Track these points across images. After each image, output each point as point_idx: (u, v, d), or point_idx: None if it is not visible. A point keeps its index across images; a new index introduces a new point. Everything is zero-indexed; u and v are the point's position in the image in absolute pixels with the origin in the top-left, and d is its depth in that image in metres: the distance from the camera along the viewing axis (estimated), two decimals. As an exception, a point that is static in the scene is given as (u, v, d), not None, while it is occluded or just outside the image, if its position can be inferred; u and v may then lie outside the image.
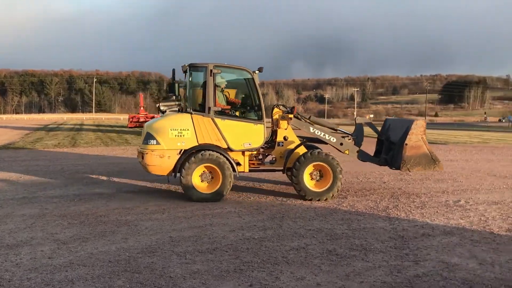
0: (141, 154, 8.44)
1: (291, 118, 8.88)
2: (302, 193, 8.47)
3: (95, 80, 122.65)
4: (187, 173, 8.15)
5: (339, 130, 9.45)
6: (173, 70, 9.03)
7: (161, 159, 8.25)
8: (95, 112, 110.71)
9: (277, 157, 8.95)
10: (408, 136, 8.53)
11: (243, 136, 8.55)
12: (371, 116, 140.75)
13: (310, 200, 8.44)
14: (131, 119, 41.96)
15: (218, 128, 8.42)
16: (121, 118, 78.56)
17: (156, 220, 6.97)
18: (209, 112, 8.39)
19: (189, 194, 8.26)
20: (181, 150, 8.30)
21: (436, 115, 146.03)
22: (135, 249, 5.55)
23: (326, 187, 8.47)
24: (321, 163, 8.45)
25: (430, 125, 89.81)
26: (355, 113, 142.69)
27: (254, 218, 7.15)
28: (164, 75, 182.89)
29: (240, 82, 9.07)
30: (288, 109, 9.15)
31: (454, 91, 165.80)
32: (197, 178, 8.31)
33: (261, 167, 9.07)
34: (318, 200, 8.45)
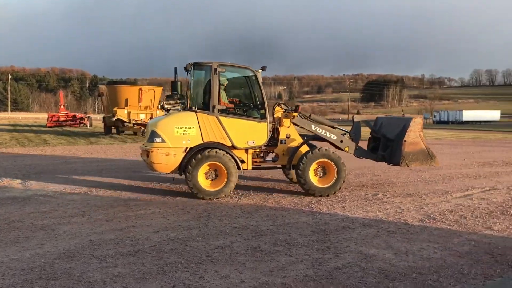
0: (146, 152, 8.38)
1: (294, 116, 9.05)
2: (308, 189, 8.67)
3: (10, 77, 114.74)
4: (193, 171, 8.21)
5: (337, 128, 9.63)
6: (175, 69, 9.06)
7: (166, 157, 8.29)
8: (11, 111, 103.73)
9: (279, 154, 9.10)
10: (406, 133, 8.88)
11: (247, 134, 8.67)
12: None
13: (315, 195, 8.66)
14: (50, 118, 39.82)
15: (223, 126, 8.51)
16: (40, 117, 74.33)
17: (75, 224, 6.66)
18: (213, 110, 8.46)
19: (195, 192, 8.32)
20: (187, 148, 8.35)
21: (358, 113, 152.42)
22: (52, 254, 5.26)
23: (331, 183, 8.73)
24: (326, 160, 8.69)
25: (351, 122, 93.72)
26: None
27: (179, 218, 7.05)
28: (87, 71, 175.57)
29: (243, 81, 9.21)
30: (289, 107, 9.36)
31: (374, 90, 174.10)
32: (202, 176, 8.37)
33: (263, 165, 9.23)
34: (321, 195, 8.67)
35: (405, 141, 8.93)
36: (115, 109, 26.26)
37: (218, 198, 8.40)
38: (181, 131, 8.33)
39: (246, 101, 9.31)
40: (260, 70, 8.92)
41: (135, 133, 28.71)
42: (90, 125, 41.46)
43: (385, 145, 9.62)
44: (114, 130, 29.44)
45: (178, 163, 8.37)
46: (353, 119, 10.00)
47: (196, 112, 8.46)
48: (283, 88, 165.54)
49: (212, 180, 8.48)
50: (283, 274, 4.69)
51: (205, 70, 8.81)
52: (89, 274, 4.64)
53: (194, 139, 8.37)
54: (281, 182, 10.42)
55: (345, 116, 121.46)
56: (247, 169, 8.92)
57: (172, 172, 8.58)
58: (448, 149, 21.02)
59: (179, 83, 9.07)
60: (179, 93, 9.08)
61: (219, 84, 8.57)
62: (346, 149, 9.39)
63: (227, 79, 9.22)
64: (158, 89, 29.22)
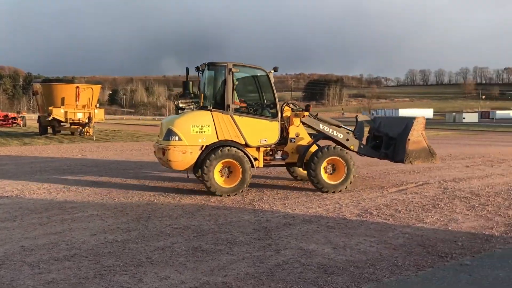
0: (162, 150, 8.51)
1: (305, 116, 9.36)
2: (319, 186, 9.01)
3: None
4: (209, 169, 8.39)
5: (342, 127, 9.89)
6: (187, 69, 9.51)
7: (183, 155, 8.45)
8: None
9: (289, 152, 9.33)
10: (410, 132, 9.32)
11: (260, 132, 8.90)
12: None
13: (327, 192, 8.99)
14: (-21, 118, 37.54)
15: (237, 125, 8.71)
16: (-32, 116, 69.67)
17: (5, 229, 6.30)
18: (228, 110, 8.63)
19: (211, 189, 8.47)
20: (203, 146, 8.53)
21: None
22: (-22, 263, 4.95)
23: (341, 179, 9.08)
24: (337, 158, 9.04)
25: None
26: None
27: (118, 220, 6.85)
28: (20, 69, 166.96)
29: (253, 80, 9.40)
30: (297, 107, 9.70)
31: (316, 89, 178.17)
32: (217, 173, 8.55)
33: (273, 163, 9.48)
34: (334, 192, 9.01)
35: (409, 139, 9.37)
36: (50, 108, 25.20)
37: (235, 195, 8.63)
38: (197, 129, 8.49)
39: (257, 101, 9.42)
40: (272, 71, 9.12)
41: (72, 133, 27.69)
42: (24, 125, 39.56)
43: (388, 144, 10.01)
44: (50, 130, 28.24)
45: (194, 160, 8.56)
46: (356, 119, 10.56)
47: (211, 111, 8.62)
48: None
49: (226, 177, 8.67)
50: (224, 273, 4.68)
51: (219, 70, 8.90)
52: (20, 282, 4.40)
53: (209, 138, 8.55)
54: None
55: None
56: (259, 166, 9.15)
57: (187, 169, 8.78)
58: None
59: (190, 82, 9.34)
60: (191, 92, 9.30)
61: (233, 84, 8.73)
62: (352, 147, 9.74)
63: (237, 79, 9.18)
64: (97, 88, 28.28)
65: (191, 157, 8.49)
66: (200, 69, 9.23)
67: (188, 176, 9.90)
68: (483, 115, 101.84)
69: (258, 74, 9.23)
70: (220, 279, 4.50)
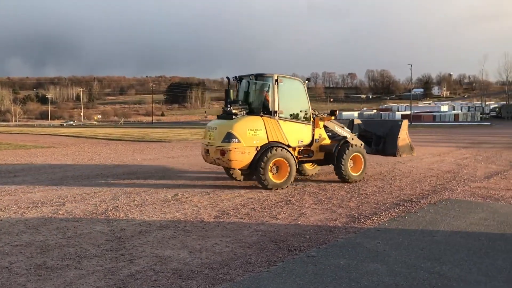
0: (221, 151, 9.61)
1: (330, 120, 11.00)
2: (347, 178, 10.70)
3: None
4: (265, 166, 9.57)
5: (345, 128, 11.58)
6: (228, 79, 10.82)
7: (242, 155, 9.58)
8: None
9: (314, 151, 10.74)
10: (400, 132, 11.81)
11: (298, 134, 10.40)
12: (99, 116, 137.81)
13: (350, 182, 10.71)
14: None
15: (281, 128, 10.03)
16: None
17: None
18: (274, 115, 9.89)
19: (265, 183, 9.69)
20: (257, 147, 9.68)
21: (162, 115, 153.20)
22: None
23: (360, 172, 10.98)
24: (357, 154, 10.92)
25: (157, 124, 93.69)
26: (82, 113, 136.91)
27: None
28: None
29: (294, 89, 10.60)
30: (318, 113, 11.05)
31: (178, 92, 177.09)
32: (269, 170, 9.66)
33: (304, 159, 10.80)
34: (355, 181, 10.81)
35: (399, 137, 11.81)
36: None
37: (282, 189, 9.82)
38: (252, 132, 9.68)
39: (295, 108, 10.61)
40: (306, 81, 10.70)
41: None
42: None
43: (377, 141, 12.28)
44: None
45: (250, 160, 9.67)
46: (352, 122, 12.73)
47: (261, 116, 9.84)
48: (81, 89, 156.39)
49: (274, 173, 9.86)
50: (70, 290, 4.34)
51: (266, 80, 10.25)
52: None
53: (261, 140, 9.77)
54: (76, 189, 9.69)
55: (149, 118, 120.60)
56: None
57: (243, 168, 9.93)
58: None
59: (231, 91, 10.60)
60: (231, 99, 10.49)
61: (278, 92, 10.05)
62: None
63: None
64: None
65: (249, 157, 9.65)
66: (238, 79, 10.75)
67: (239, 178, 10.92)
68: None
69: (296, 84, 10.62)
70: (66, 298, 4.17)
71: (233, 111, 10.01)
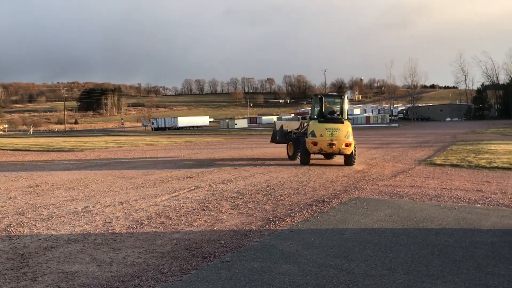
0: (346, 144, 14.89)
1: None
2: (354, 162, 15.44)
3: None
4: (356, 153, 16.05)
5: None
6: (316, 95, 17.27)
7: (352, 146, 15.22)
8: None
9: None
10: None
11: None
12: (6, 126, 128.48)
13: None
14: None
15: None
16: None
17: None
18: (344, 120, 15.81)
19: (354, 162, 15.39)
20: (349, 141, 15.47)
21: (76, 123, 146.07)
22: None
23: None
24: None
25: (70, 132, 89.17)
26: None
27: None
28: None
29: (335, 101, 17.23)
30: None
31: (92, 98, 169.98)
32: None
33: None
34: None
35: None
36: None
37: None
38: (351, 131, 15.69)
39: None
40: (346, 94, 17.51)
41: None
42: None
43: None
44: None
45: (352, 149, 15.34)
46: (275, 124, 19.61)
47: (342, 122, 15.55)
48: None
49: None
50: (-38, 317, 3.97)
51: (334, 97, 17.46)
52: None
53: (352, 136, 15.46)
54: (-27, 207, 8.91)
55: (62, 127, 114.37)
56: None
57: (348, 153, 15.27)
58: (163, 153, 22.18)
59: (324, 104, 16.00)
60: (324, 110, 15.95)
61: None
62: None
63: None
64: None
65: (351, 148, 14.99)
66: (319, 96, 16.45)
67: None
68: (252, 120, 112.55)
69: (341, 98, 16.77)
70: (-44, 325, 3.80)
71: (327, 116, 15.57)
